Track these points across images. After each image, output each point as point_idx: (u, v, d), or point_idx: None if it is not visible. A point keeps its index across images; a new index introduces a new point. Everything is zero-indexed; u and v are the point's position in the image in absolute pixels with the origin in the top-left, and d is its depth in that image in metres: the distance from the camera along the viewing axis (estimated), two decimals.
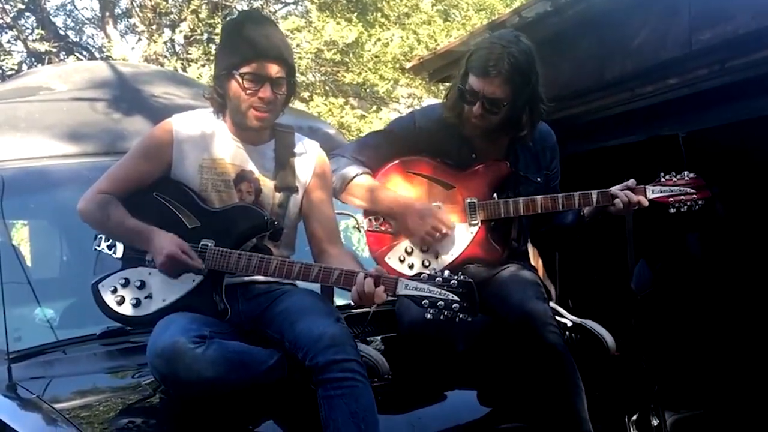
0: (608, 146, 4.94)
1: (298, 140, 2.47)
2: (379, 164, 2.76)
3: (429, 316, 2.14)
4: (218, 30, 10.39)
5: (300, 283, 2.44)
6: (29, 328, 2.71)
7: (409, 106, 12.67)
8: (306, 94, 11.41)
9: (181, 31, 10.94)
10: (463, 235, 2.69)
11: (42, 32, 11.09)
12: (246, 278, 2.38)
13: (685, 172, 2.67)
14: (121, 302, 2.31)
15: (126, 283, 2.31)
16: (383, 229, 2.74)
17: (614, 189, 2.64)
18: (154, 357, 2.06)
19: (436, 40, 11.65)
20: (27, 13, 11.65)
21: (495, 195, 2.70)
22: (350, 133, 10.96)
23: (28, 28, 11.87)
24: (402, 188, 2.74)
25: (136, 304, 2.30)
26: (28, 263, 3.82)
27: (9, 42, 11.82)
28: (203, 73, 9.65)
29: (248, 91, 2.27)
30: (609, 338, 2.71)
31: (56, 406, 2.18)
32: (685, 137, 4.31)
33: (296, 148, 2.45)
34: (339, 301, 2.83)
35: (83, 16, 13.10)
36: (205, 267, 2.28)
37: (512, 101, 2.58)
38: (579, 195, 2.65)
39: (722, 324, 4.48)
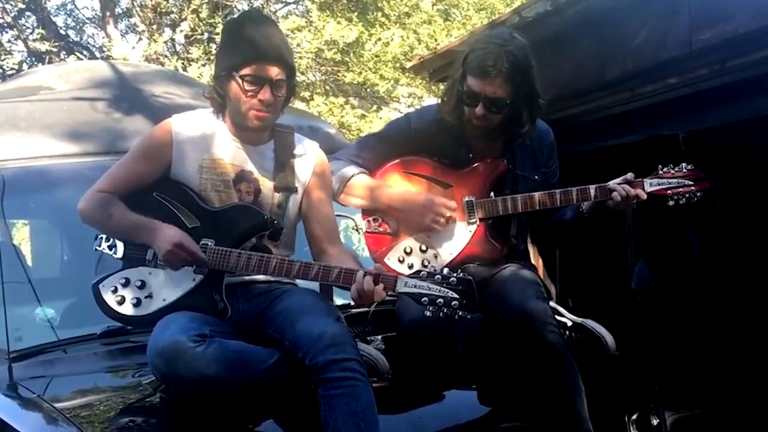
0: (608, 146, 4.94)
1: (297, 140, 2.47)
2: (377, 166, 2.77)
3: (428, 313, 2.14)
4: (219, 30, 10.40)
5: (300, 282, 2.44)
6: (30, 327, 2.71)
7: (409, 106, 12.69)
8: (306, 94, 11.42)
9: (181, 31, 10.95)
10: (462, 234, 2.69)
11: (42, 32, 11.10)
12: (246, 277, 2.38)
13: (683, 164, 2.65)
14: (121, 302, 2.31)
15: (126, 283, 2.32)
16: (382, 230, 2.74)
17: (612, 183, 2.64)
18: (154, 356, 2.07)
19: (436, 40, 11.66)
20: (27, 13, 11.66)
21: (492, 194, 2.70)
22: (350, 132, 10.97)
23: (28, 28, 11.89)
24: (400, 188, 2.74)
25: (137, 303, 2.30)
26: (29, 263, 3.83)
27: (9, 41, 11.84)
28: (204, 73, 9.66)
29: (248, 93, 2.27)
30: (609, 338, 2.71)
31: (57, 405, 2.19)
32: (685, 137, 4.31)
33: (296, 149, 2.45)
34: (339, 301, 2.83)
35: (84, 15, 13.14)
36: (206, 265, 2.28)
37: (513, 99, 2.58)
38: (577, 190, 2.65)
39: (722, 324, 4.48)
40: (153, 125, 2.55)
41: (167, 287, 2.30)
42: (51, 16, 12.07)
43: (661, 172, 2.66)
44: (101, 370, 2.55)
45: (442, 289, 2.13)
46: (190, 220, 2.32)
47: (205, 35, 10.96)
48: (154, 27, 11.03)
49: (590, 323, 2.77)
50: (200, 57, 10.53)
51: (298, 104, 9.64)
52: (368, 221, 2.77)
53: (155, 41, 10.71)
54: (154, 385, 2.26)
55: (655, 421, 2.76)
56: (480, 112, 2.59)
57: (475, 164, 2.72)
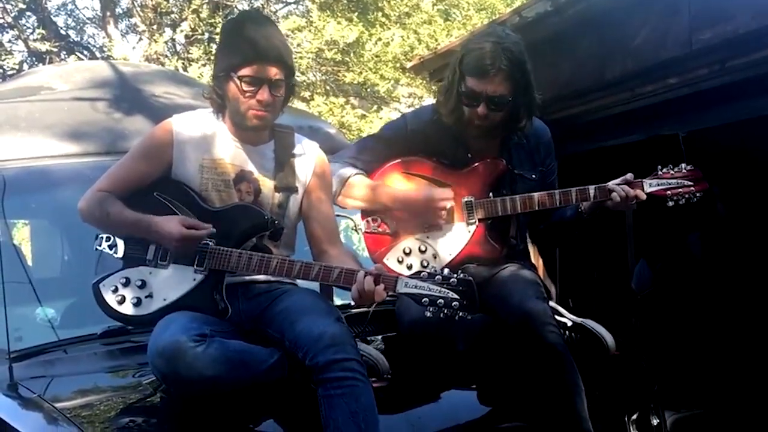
0: (608, 146, 4.94)
1: (297, 141, 2.47)
2: (375, 168, 2.77)
3: (428, 314, 2.14)
4: (219, 30, 10.37)
5: (300, 282, 2.44)
6: (30, 327, 2.71)
7: (409, 106, 12.68)
8: (307, 94, 11.42)
9: (182, 31, 10.95)
10: (462, 234, 2.69)
11: (43, 32, 11.10)
12: (246, 277, 2.38)
13: (683, 165, 2.65)
14: (121, 301, 2.31)
15: (127, 283, 2.32)
16: (381, 230, 2.74)
17: (611, 183, 2.64)
18: (154, 356, 2.07)
19: (436, 40, 11.66)
20: (28, 13, 11.66)
21: (491, 194, 2.70)
22: (351, 132, 10.97)
23: (29, 28, 11.89)
24: (399, 188, 2.74)
25: (137, 303, 2.30)
26: (29, 263, 3.83)
27: (10, 41, 11.84)
28: (204, 73, 9.65)
29: (246, 94, 2.28)
30: (609, 338, 2.71)
31: (57, 405, 2.19)
32: (685, 137, 4.30)
33: (296, 149, 2.45)
34: (339, 301, 2.83)
35: (84, 15, 13.13)
36: (206, 266, 2.28)
37: (514, 95, 2.58)
38: (576, 190, 2.65)
39: (722, 323, 4.48)
40: (153, 125, 2.55)
41: (168, 287, 2.30)
42: (51, 16, 12.07)
43: (660, 172, 2.66)
44: (102, 370, 2.55)
45: (443, 289, 2.13)
46: None
47: (206, 35, 10.96)
48: (155, 27, 11.03)
49: (590, 323, 2.77)
50: (200, 57, 10.53)
51: (298, 104, 9.66)
52: (367, 221, 2.77)
53: (155, 41, 10.71)
54: (154, 385, 2.26)
55: (655, 421, 2.76)
56: (483, 111, 2.59)
57: (475, 164, 2.72)
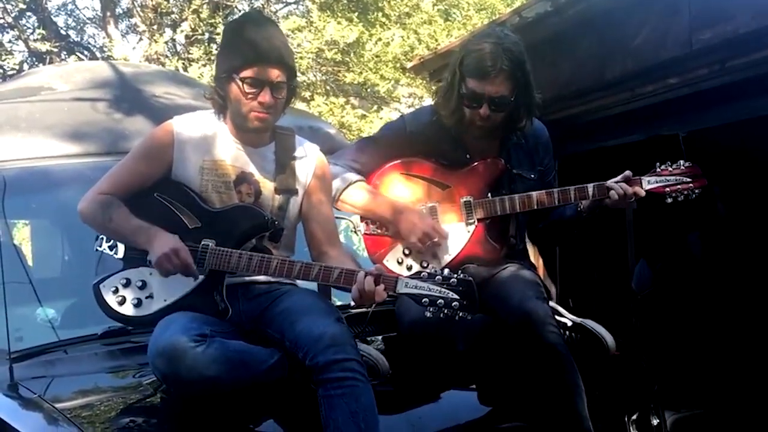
0: (608, 146, 4.94)
1: (298, 143, 2.48)
2: (374, 169, 2.77)
3: (428, 314, 2.15)
4: (219, 30, 10.40)
5: (300, 283, 2.45)
6: (31, 327, 2.72)
7: (410, 106, 12.68)
8: (307, 94, 11.42)
9: (182, 31, 10.95)
10: (461, 235, 2.69)
11: (43, 32, 11.10)
12: (247, 278, 2.38)
13: (681, 161, 2.65)
14: (122, 302, 2.31)
15: (127, 283, 2.32)
16: (380, 231, 2.75)
17: (610, 182, 2.64)
18: (155, 356, 2.07)
19: (436, 40, 11.66)
20: (28, 13, 11.66)
21: (489, 194, 2.70)
22: (351, 132, 10.97)
23: (29, 28, 11.89)
24: (398, 189, 2.74)
25: (138, 304, 2.31)
26: (30, 263, 3.82)
27: (10, 42, 11.84)
28: (204, 73, 9.66)
29: (248, 96, 2.28)
30: (609, 338, 2.71)
31: (58, 405, 2.19)
32: (685, 137, 4.30)
33: (297, 151, 2.45)
34: (338, 301, 2.84)
35: (84, 15, 13.13)
36: (206, 267, 2.28)
37: (516, 95, 2.59)
38: (575, 189, 2.65)
39: (722, 323, 4.48)
40: (154, 126, 2.55)
41: (168, 288, 2.30)
42: (52, 17, 12.07)
43: (659, 169, 2.66)
44: (102, 370, 2.55)
45: (443, 290, 2.13)
46: (191, 220, 2.33)
47: (206, 35, 10.96)
48: (155, 27, 11.03)
49: (590, 323, 2.77)
50: (201, 57, 10.53)
51: (298, 104, 9.64)
52: (366, 223, 2.77)
53: (156, 41, 10.72)
54: (154, 385, 2.26)
55: (655, 421, 2.76)
56: (485, 112, 2.59)
57: (474, 164, 2.72)
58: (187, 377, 2.05)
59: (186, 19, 10.86)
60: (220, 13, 10.98)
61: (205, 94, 2.47)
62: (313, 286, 2.43)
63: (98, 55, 12.11)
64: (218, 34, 10.49)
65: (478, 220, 2.69)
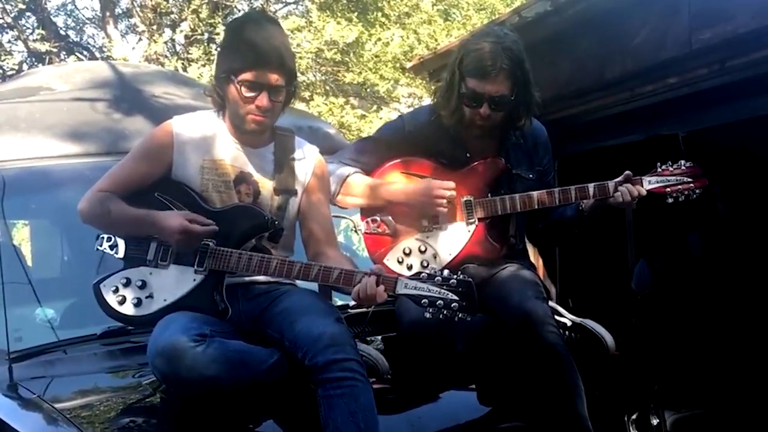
0: (608, 146, 4.94)
1: (297, 143, 2.48)
2: (373, 169, 2.78)
3: (428, 315, 2.14)
4: (219, 30, 10.42)
5: (300, 283, 2.45)
6: (30, 328, 2.72)
7: (409, 106, 12.68)
8: (306, 94, 11.42)
9: (181, 31, 10.95)
10: (461, 234, 2.69)
11: (43, 32, 11.10)
12: (246, 278, 2.38)
13: (682, 162, 2.65)
14: (122, 302, 2.31)
15: (127, 283, 2.32)
16: (380, 230, 2.74)
17: (612, 182, 2.64)
18: (154, 356, 2.07)
19: (436, 40, 11.66)
20: (28, 13, 11.66)
21: (489, 194, 2.70)
22: (350, 132, 10.97)
23: (28, 28, 11.89)
24: (398, 183, 2.74)
25: (138, 303, 2.31)
26: (29, 263, 3.83)
27: (10, 42, 11.85)
28: (204, 73, 9.66)
29: (245, 99, 2.27)
30: (609, 338, 2.71)
31: (57, 405, 2.19)
32: (684, 137, 4.30)
33: (296, 152, 2.45)
34: (338, 301, 2.83)
35: (84, 16, 13.14)
36: (206, 267, 2.28)
37: (516, 94, 2.59)
38: (575, 189, 2.65)
39: (722, 323, 4.48)
40: (153, 126, 2.56)
41: (168, 287, 2.30)
42: (51, 17, 12.07)
43: (659, 169, 2.66)
44: (102, 370, 2.55)
45: (442, 290, 2.13)
46: None
47: (205, 35, 10.96)
48: (154, 27, 11.03)
49: (590, 323, 2.77)
50: (200, 57, 10.54)
51: (297, 104, 9.63)
52: (367, 222, 2.77)
53: (155, 42, 10.72)
54: (154, 385, 2.26)
55: (654, 421, 2.76)
56: (485, 112, 2.59)
57: (474, 164, 2.72)
58: (186, 377, 2.05)
59: (185, 19, 10.86)
60: (220, 13, 10.98)
61: (205, 91, 2.48)
62: (312, 286, 2.43)
63: (97, 55, 12.12)
64: (218, 34, 10.51)
65: (479, 219, 2.69)
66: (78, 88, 3.61)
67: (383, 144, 2.81)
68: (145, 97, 3.61)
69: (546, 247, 5.00)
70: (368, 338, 2.66)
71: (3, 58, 11.24)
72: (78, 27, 13.09)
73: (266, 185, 2.40)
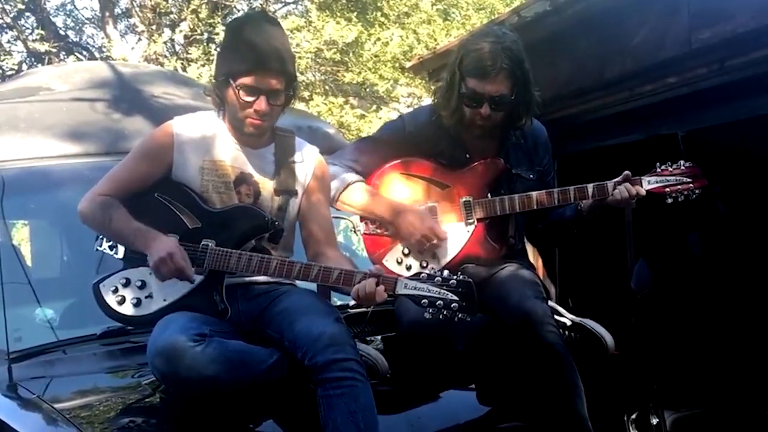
0: (607, 145, 4.94)
1: (298, 144, 2.48)
2: (374, 169, 2.78)
3: (428, 315, 2.14)
4: (218, 30, 10.42)
5: (299, 283, 2.45)
6: (29, 328, 2.72)
7: (409, 106, 12.69)
8: (306, 94, 11.41)
9: (181, 31, 10.95)
10: (461, 234, 2.69)
11: (42, 32, 11.09)
12: (246, 278, 2.38)
13: (681, 162, 2.65)
14: (121, 302, 2.31)
15: (127, 283, 2.32)
16: (380, 231, 2.75)
17: (611, 182, 2.64)
18: (154, 356, 2.07)
19: (435, 40, 11.66)
20: (27, 13, 11.66)
21: (489, 194, 2.70)
22: (350, 132, 10.97)
23: (28, 28, 11.88)
24: (398, 189, 2.75)
25: (137, 303, 2.31)
26: (29, 263, 3.83)
27: (9, 42, 11.84)
28: (203, 73, 9.66)
29: (244, 103, 2.27)
30: (608, 337, 2.72)
31: (57, 406, 2.19)
32: (684, 136, 4.30)
33: (296, 152, 2.45)
34: (338, 301, 2.83)
35: (83, 16, 13.14)
36: (206, 267, 2.28)
37: (516, 94, 2.59)
38: (574, 189, 2.65)
39: (722, 323, 4.48)
40: (153, 126, 2.56)
41: (167, 287, 2.30)
42: (50, 17, 12.06)
43: (659, 169, 2.66)
44: (101, 370, 2.55)
45: (442, 291, 2.13)
46: (191, 221, 2.33)
47: (205, 35, 10.96)
48: (154, 27, 11.03)
49: (589, 323, 2.77)
50: (199, 57, 10.53)
51: (297, 104, 9.63)
52: (366, 223, 2.77)
53: (154, 42, 10.71)
54: (154, 385, 2.26)
55: (654, 421, 2.76)
56: (486, 112, 2.59)
57: (474, 164, 2.72)
58: (186, 377, 2.05)
59: (185, 19, 10.86)
60: (219, 13, 10.98)
61: (205, 91, 2.48)
62: (312, 286, 2.43)
63: (97, 55, 12.11)
64: (217, 34, 10.51)
65: (478, 219, 2.69)
66: (77, 88, 3.61)
67: (383, 144, 2.81)
68: (144, 97, 3.61)
69: (545, 247, 5.00)
70: (368, 338, 2.66)
71: (2, 58, 11.24)
72: (77, 27, 13.09)
73: (266, 186, 2.40)
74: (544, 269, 5.29)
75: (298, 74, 2.47)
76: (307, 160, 2.47)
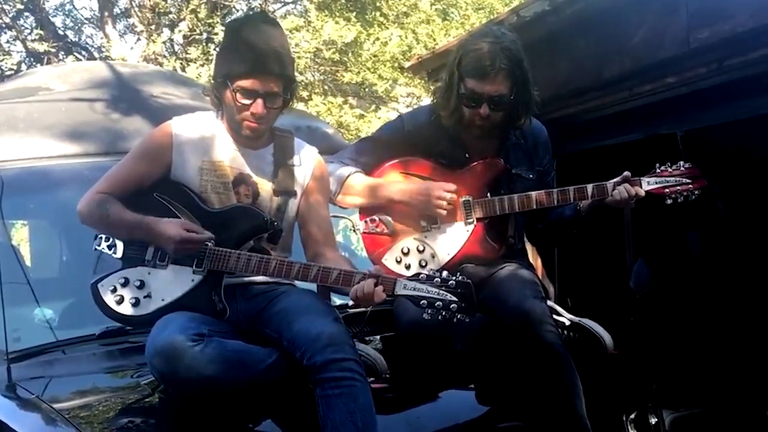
0: (606, 145, 4.94)
1: (297, 144, 2.48)
2: (373, 169, 2.78)
3: (427, 316, 2.14)
4: (217, 30, 10.41)
5: (299, 283, 2.45)
6: (29, 328, 2.71)
7: (408, 106, 12.69)
8: (305, 94, 11.40)
9: (179, 31, 10.95)
10: (460, 234, 2.69)
11: (41, 32, 11.08)
12: (245, 278, 2.38)
13: (681, 162, 2.65)
14: (120, 302, 2.31)
15: (125, 283, 2.32)
16: (379, 230, 2.75)
17: (610, 182, 2.64)
18: (152, 355, 2.07)
19: (434, 40, 11.66)
20: (26, 13, 11.66)
21: (488, 194, 2.71)
22: (349, 132, 10.97)
23: (27, 28, 11.87)
24: (398, 183, 2.74)
25: (136, 303, 2.31)
26: (28, 263, 3.83)
27: (8, 42, 11.82)
28: (202, 73, 9.66)
29: (241, 106, 2.27)
30: (607, 337, 2.72)
31: (56, 406, 2.19)
32: (683, 136, 4.30)
33: (295, 153, 2.45)
34: (337, 301, 2.83)
35: (82, 16, 13.12)
36: (205, 267, 2.28)
37: (515, 93, 2.59)
38: (574, 189, 2.65)
39: (721, 323, 4.48)
40: (152, 126, 2.56)
41: (166, 287, 2.30)
42: (49, 17, 12.06)
43: (658, 170, 2.66)
44: (100, 370, 2.55)
45: (441, 292, 2.13)
46: (190, 221, 2.33)
47: (204, 35, 10.96)
48: (153, 27, 11.03)
49: (588, 323, 2.78)
50: (198, 57, 10.53)
51: (296, 104, 9.63)
52: (365, 222, 2.77)
53: (154, 41, 10.71)
54: (152, 385, 2.26)
55: (653, 420, 2.77)
56: (485, 112, 2.59)
57: (473, 164, 2.72)
58: (185, 377, 2.05)
59: (184, 19, 10.85)
60: (218, 13, 10.98)
61: (204, 91, 2.48)
62: (311, 286, 2.43)
63: (96, 55, 12.09)
64: (216, 34, 10.51)
65: (477, 219, 2.69)
66: (76, 88, 3.61)
67: (383, 144, 2.81)
68: (143, 97, 3.60)
69: (545, 247, 5.00)
70: (367, 338, 2.66)
71: (1, 58, 11.22)
72: (76, 27, 13.08)
73: (265, 186, 2.40)
74: (543, 269, 5.29)
75: (297, 74, 2.48)
76: (306, 161, 2.47)
